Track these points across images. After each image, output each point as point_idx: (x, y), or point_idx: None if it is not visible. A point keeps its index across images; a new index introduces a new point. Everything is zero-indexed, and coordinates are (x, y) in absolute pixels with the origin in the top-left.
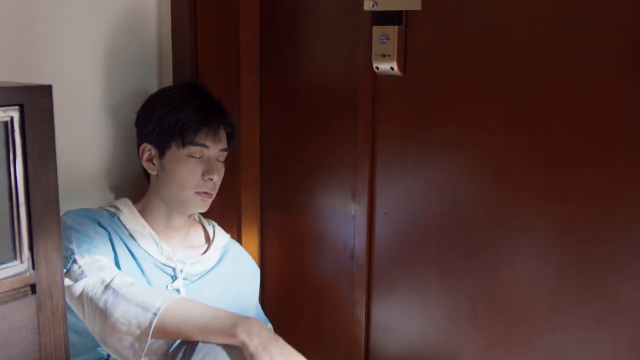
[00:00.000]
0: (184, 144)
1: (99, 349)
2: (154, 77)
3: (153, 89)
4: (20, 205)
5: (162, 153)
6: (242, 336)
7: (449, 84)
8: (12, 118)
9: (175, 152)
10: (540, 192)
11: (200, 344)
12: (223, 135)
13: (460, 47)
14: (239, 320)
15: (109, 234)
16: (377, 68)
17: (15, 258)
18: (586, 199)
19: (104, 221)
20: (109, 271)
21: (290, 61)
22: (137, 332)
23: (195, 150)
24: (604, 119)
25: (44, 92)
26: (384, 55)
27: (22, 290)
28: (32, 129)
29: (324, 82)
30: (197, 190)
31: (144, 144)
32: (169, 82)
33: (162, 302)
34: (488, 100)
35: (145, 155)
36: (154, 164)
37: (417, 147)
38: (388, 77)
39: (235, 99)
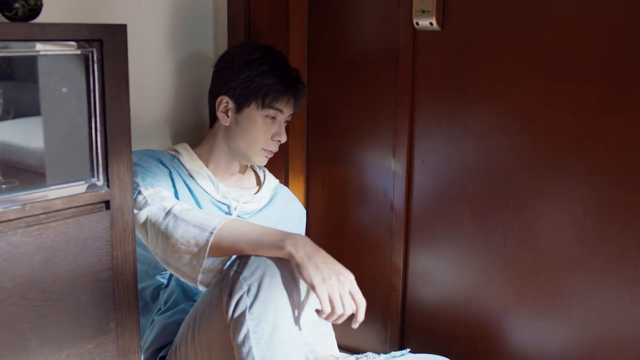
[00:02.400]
0: (263, 106)
1: (158, 276)
2: (210, 32)
3: (209, 42)
4: (98, 131)
5: (239, 108)
6: (289, 248)
7: (485, 38)
8: (92, 52)
9: (252, 110)
10: (569, 137)
11: (252, 258)
12: (296, 103)
13: (495, 3)
14: (286, 235)
15: (170, 171)
16: (417, 24)
17: (93, 176)
18: (613, 143)
19: (165, 161)
20: (169, 200)
21: (336, 19)
22: (195, 250)
23: (271, 112)
24: (632, 66)
25: (120, 30)
26: (423, 12)
27: (97, 205)
28: (109, 62)
29: (368, 38)
30: (264, 147)
31: (223, 97)
32: (224, 38)
33: (218, 222)
34: (521, 51)
35: (222, 106)
36: (228, 117)
37: (453, 97)
38: (427, 33)
39: (284, 55)
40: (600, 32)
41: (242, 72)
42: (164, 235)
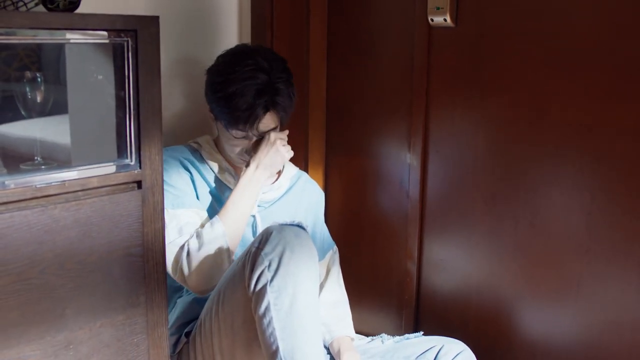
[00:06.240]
0: (228, 129)
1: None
2: (235, 27)
3: (233, 37)
4: (132, 115)
5: (216, 119)
6: (249, 172)
7: (496, 33)
8: (127, 41)
9: (222, 126)
10: (576, 127)
11: (273, 235)
12: (267, 121)
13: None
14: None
15: (191, 174)
16: (432, 20)
17: (126, 157)
18: (619, 132)
19: (186, 159)
20: (185, 234)
21: (354, 16)
22: (224, 249)
23: (236, 135)
24: (638, 57)
25: (153, 22)
26: (438, 8)
27: (130, 185)
28: (142, 51)
29: (385, 33)
30: (240, 157)
31: (208, 105)
32: (247, 34)
33: (220, 225)
34: (530, 45)
35: (208, 111)
36: (214, 122)
37: (466, 90)
38: (441, 29)
39: (305, 49)
40: (607, 25)
41: (207, 92)
42: (181, 272)
